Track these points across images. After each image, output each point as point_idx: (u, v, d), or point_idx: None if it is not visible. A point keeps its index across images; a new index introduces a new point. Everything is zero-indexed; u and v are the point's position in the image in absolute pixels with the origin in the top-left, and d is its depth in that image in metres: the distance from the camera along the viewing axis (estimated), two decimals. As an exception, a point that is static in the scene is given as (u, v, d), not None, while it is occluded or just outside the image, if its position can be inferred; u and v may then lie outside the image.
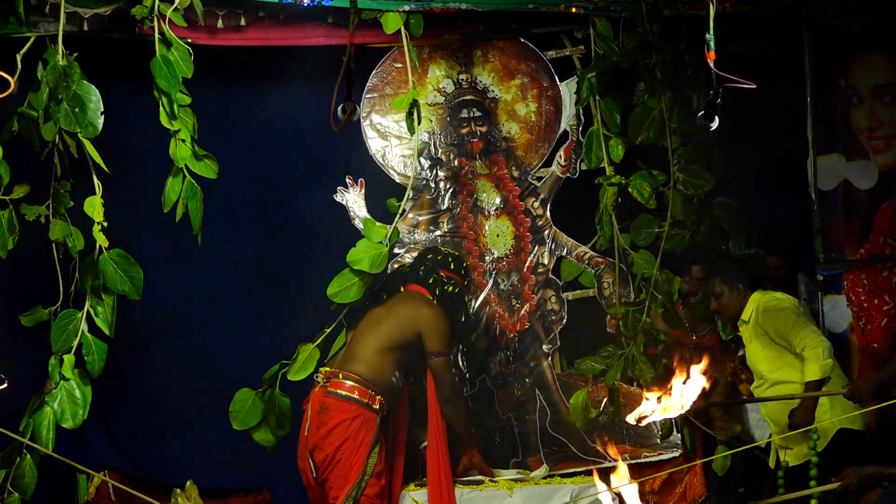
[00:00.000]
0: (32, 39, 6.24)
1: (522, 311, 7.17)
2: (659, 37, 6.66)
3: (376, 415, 6.37)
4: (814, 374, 6.19)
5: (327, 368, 6.47)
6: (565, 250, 7.21)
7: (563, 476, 6.84)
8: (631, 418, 5.34)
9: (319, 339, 6.39)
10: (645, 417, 5.30)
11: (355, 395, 6.34)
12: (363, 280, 6.27)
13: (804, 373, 6.24)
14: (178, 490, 6.55)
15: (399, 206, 6.47)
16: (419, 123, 6.60)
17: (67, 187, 6.36)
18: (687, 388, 5.38)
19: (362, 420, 6.31)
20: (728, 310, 6.59)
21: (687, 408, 5.34)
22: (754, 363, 6.52)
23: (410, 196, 6.96)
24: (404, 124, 6.77)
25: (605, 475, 5.40)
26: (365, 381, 6.37)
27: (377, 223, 6.78)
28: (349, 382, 6.38)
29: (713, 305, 6.64)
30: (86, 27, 6.29)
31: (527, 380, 7.18)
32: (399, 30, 6.69)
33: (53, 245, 6.38)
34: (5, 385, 5.40)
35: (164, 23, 6.15)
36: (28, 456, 6.21)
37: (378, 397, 6.39)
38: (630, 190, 6.78)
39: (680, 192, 6.74)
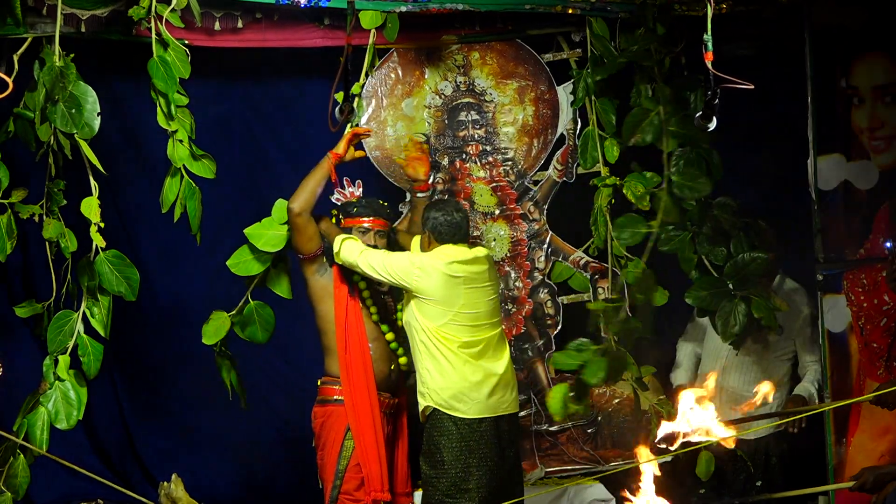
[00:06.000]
0: (29, 40, 6.22)
1: (518, 316, 7.16)
2: (660, 38, 6.65)
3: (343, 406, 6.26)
4: None
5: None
6: (561, 255, 7.20)
7: (560, 477, 6.83)
8: (659, 442, 5.24)
9: (234, 311, 6.35)
10: (675, 440, 5.17)
11: (331, 397, 6.28)
12: (261, 258, 6.23)
13: None
14: (165, 483, 6.52)
15: None
16: (356, 115, 6.50)
17: (61, 186, 6.34)
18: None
19: (334, 417, 6.24)
20: None
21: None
22: None
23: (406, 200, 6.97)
24: (400, 124, 6.75)
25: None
26: (335, 378, 6.27)
27: None
28: (325, 386, 6.32)
29: None
30: (83, 28, 6.27)
31: (522, 383, 7.17)
32: (386, 28, 6.62)
33: (47, 244, 6.36)
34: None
35: (161, 24, 6.14)
36: (21, 456, 6.19)
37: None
38: (624, 191, 6.76)
39: (673, 195, 6.71)
